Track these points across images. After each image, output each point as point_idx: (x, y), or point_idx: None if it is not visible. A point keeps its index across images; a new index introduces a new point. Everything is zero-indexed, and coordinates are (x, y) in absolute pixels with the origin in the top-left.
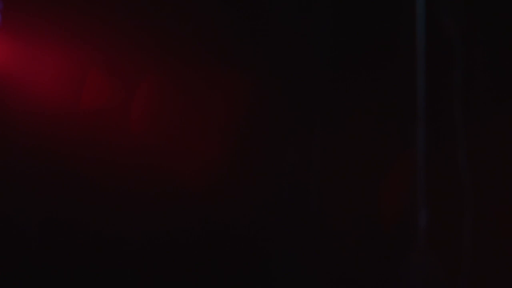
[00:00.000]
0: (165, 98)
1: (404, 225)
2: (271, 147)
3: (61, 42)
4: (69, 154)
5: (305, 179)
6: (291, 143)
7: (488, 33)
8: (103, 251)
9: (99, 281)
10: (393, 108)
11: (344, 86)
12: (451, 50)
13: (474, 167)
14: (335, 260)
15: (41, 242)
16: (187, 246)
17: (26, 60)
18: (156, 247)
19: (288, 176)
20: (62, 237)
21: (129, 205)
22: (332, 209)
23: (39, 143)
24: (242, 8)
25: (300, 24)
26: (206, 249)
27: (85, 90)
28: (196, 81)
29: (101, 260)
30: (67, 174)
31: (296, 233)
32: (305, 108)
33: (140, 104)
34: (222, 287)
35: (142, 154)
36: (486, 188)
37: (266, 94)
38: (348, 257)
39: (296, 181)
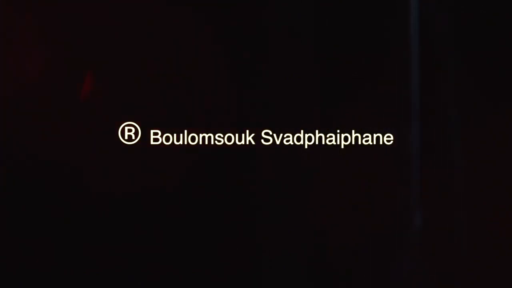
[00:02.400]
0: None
1: (398, 227)
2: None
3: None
4: (65, 154)
5: (301, 177)
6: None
7: (483, 30)
8: (106, 249)
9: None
10: (386, 107)
11: (337, 85)
12: (446, 48)
13: (469, 167)
14: (329, 259)
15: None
16: (187, 245)
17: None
18: (156, 246)
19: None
20: (63, 237)
21: (129, 204)
22: (328, 209)
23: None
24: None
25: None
26: (205, 248)
27: (80, 90)
28: (195, 80)
29: (103, 259)
30: (65, 176)
31: (293, 231)
32: (301, 105)
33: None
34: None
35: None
36: (481, 188)
37: (262, 93)
38: (342, 256)
39: (294, 178)
